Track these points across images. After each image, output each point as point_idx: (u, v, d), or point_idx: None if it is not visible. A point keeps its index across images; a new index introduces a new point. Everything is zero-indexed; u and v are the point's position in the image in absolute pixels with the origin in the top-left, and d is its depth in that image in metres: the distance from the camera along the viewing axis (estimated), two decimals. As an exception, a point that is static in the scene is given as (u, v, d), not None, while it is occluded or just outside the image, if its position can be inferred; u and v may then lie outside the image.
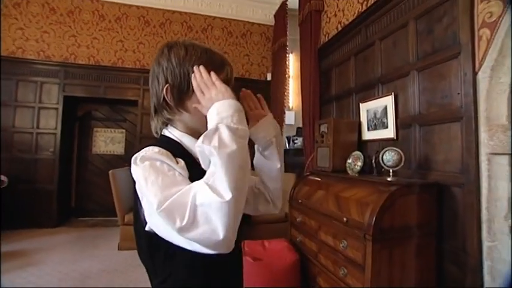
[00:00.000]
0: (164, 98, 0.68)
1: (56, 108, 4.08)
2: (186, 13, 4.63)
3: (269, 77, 4.87)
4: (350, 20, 2.59)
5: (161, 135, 0.73)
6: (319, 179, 2.28)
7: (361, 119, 2.35)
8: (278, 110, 4.35)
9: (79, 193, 4.67)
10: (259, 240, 2.43)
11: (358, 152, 2.16)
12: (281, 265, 2.06)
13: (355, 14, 2.53)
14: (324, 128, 2.43)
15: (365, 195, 1.60)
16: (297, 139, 4.31)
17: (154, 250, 0.64)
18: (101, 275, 2.57)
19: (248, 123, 0.69)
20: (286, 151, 4.31)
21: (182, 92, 0.68)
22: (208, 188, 0.50)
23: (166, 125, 0.73)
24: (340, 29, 2.80)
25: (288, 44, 4.33)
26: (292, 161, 4.13)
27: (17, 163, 3.93)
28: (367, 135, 2.29)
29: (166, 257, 0.62)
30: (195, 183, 0.54)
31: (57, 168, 4.02)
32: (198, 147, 0.55)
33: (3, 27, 3.99)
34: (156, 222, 0.54)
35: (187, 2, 4.60)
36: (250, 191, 0.83)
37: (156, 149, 0.61)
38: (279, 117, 4.31)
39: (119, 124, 4.88)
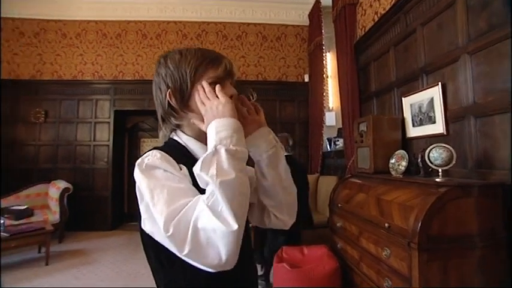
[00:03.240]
0: (169, 103, 0.68)
1: (108, 122, 4.50)
2: (220, 23, 4.77)
3: (307, 79, 4.76)
4: (387, 9, 2.40)
5: (169, 138, 0.72)
6: (359, 182, 2.12)
7: (405, 115, 2.14)
8: (317, 111, 4.22)
9: (131, 199, 5.05)
10: (298, 247, 2.33)
11: (402, 151, 1.96)
12: (320, 273, 1.94)
13: (393, 2, 2.33)
14: (363, 127, 2.26)
15: (409, 198, 1.43)
16: (338, 140, 4.11)
17: (154, 256, 0.63)
18: (148, 276, 2.71)
19: (246, 130, 0.67)
20: (327, 153, 4.15)
21: (184, 93, 0.67)
22: (211, 213, 0.50)
23: (175, 131, 0.72)
24: (376, 19, 2.61)
25: (324, 42, 4.20)
26: (334, 163, 3.96)
27: (79, 172, 4.41)
28: (412, 131, 2.07)
29: (168, 263, 0.61)
30: (198, 198, 0.53)
31: (110, 177, 4.42)
32: (195, 172, 0.54)
33: (68, 56, 4.58)
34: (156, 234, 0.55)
35: (221, 12, 4.74)
36: (257, 202, 0.76)
37: (158, 154, 0.60)
38: (319, 119, 4.18)
39: (163, 134, 5.19)
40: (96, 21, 4.60)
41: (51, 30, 4.59)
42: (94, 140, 4.48)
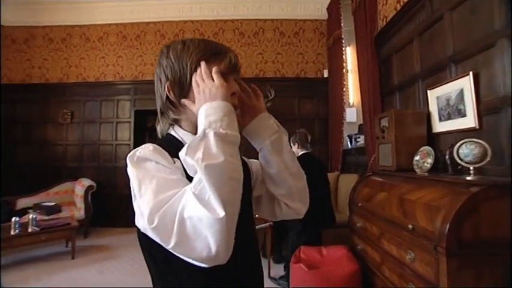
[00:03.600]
0: (167, 96, 0.65)
1: (129, 122, 4.63)
2: (237, 20, 4.74)
3: (326, 74, 4.64)
4: (411, -4, 2.25)
5: (166, 133, 0.69)
6: (380, 180, 2.01)
7: (430, 109, 1.99)
8: (337, 107, 4.10)
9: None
10: (316, 247, 2.26)
11: (427, 147, 1.83)
12: (339, 275, 1.85)
13: (417, -13, 2.18)
14: (384, 122, 2.14)
15: (436, 197, 1.31)
16: (359, 137, 3.96)
17: (149, 254, 0.60)
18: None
19: (245, 117, 0.69)
20: (348, 150, 4.02)
21: (183, 87, 0.63)
22: (197, 201, 0.46)
23: (173, 126, 0.69)
24: (399, 8, 2.45)
25: (343, 36, 4.06)
26: (355, 160, 3.82)
27: (102, 171, 4.58)
28: (439, 126, 1.92)
29: (164, 261, 0.58)
30: (186, 188, 0.50)
31: (132, 175, 4.53)
32: (181, 157, 0.51)
33: (91, 59, 4.76)
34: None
35: (238, 9, 4.71)
36: (265, 193, 0.75)
37: (151, 146, 0.58)
38: (339, 115, 4.05)
39: (183, 132, 5.28)
40: (116, 24, 4.74)
41: (76, 35, 4.79)
42: (116, 140, 4.63)
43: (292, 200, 0.71)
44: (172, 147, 0.61)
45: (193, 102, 0.62)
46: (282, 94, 4.55)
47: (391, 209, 1.61)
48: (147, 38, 4.72)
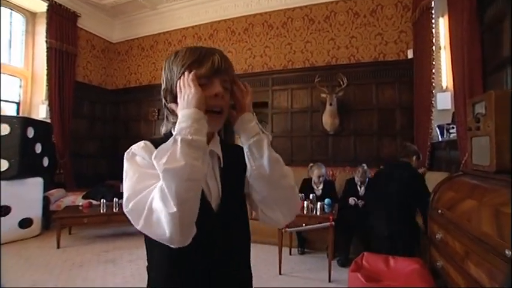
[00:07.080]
0: (164, 103, 0.74)
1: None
2: (306, 6, 4.49)
3: (410, 54, 3.98)
4: None
5: (169, 131, 0.75)
6: (471, 182, 1.56)
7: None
8: (425, 92, 3.48)
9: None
10: (383, 255, 1.95)
11: (547, 141, 1.31)
12: (407, 296, 1.54)
13: None
14: (480, 109, 1.65)
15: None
16: (453, 127, 3.25)
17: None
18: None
19: (238, 115, 0.72)
20: (438, 144, 3.36)
21: (173, 93, 0.70)
22: (160, 195, 0.56)
23: (174, 126, 0.75)
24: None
25: (433, 5, 3.36)
26: (447, 156, 3.17)
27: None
28: None
29: (149, 241, 0.68)
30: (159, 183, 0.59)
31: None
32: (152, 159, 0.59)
33: (144, 65, 5.35)
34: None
35: (307, -6, 4.45)
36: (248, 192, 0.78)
37: (142, 144, 0.68)
38: (426, 102, 3.44)
39: (254, 125, 5.40)
40: (192, 27, 5.13)
41: (161, 41, 5.41)
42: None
43: (269, 208, 0.73)
44: None
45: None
46: (357, 81, 4.15)
47: (480, 223, 1.22)
48: (219, 36, 4.95)
